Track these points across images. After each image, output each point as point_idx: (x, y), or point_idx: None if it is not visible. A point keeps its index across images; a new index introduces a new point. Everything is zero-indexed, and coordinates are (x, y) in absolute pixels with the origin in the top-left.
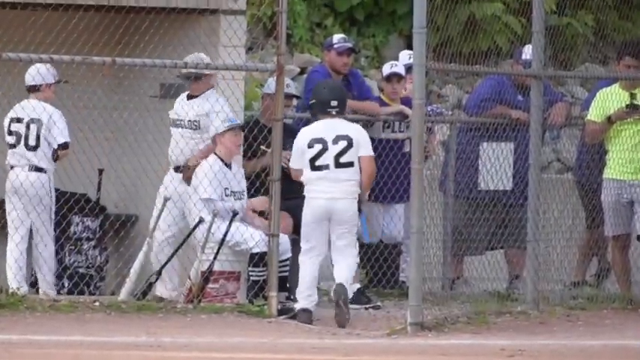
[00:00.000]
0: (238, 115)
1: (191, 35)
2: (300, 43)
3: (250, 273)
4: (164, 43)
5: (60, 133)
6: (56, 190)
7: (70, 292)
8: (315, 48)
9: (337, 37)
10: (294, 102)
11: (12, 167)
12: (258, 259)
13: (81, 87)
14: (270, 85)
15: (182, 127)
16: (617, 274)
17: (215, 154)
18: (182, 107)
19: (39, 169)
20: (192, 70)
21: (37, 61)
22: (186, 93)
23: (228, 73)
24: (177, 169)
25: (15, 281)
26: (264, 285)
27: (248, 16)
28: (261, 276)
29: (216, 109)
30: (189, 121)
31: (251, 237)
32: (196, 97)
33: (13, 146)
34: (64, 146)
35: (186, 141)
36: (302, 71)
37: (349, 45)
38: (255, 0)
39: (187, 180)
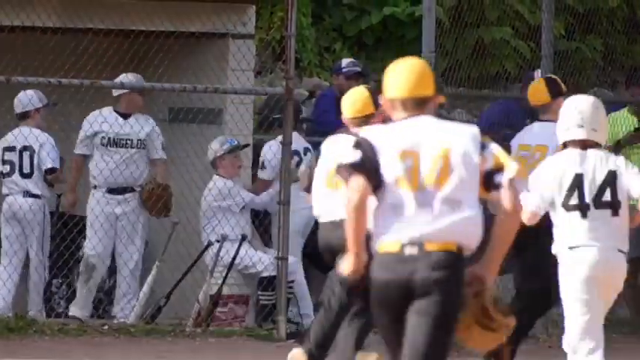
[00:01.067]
0: (247, 139)
1: (200, 59)
2: (309, 67)
3: (260, 297)
4: (173, 67)
5: (47, 158)
6: (64, 213)
7: None
8: (324, 72)
9: (346, 62)
10: (304, 126)
11: (6, 195)
12: (267, 283)
13: (89, 110)
14: None
15: (131, 147)
16: (627, 298)
17: (220, 175)
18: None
19: (34, 195)
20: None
21: (46, 85)
22: (111, 108)
23: (237, 97)
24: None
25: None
26: (273, 309)
27: (257, 40)
28: (270, 300)
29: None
30: (139, 140)
31: (260, 261)
32: (130, 115)
33: (6, 175)
34: (51, 171)
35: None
36: (311, 95)
37: (358, 69)
38: (263, 24)
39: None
